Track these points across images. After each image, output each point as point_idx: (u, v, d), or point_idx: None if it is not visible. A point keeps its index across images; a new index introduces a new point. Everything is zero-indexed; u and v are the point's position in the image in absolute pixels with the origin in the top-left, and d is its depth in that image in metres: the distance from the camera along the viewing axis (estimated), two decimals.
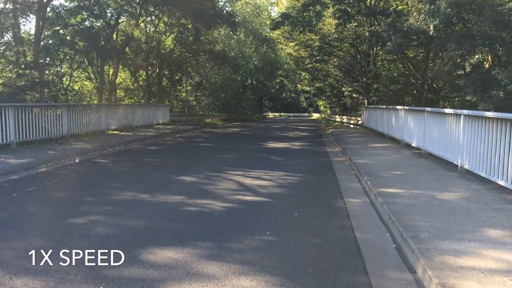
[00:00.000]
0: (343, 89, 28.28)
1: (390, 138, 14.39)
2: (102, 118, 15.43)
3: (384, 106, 15.30)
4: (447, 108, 13.25)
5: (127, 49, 21.48)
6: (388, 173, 7.54)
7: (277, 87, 75.10)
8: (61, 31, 18.17)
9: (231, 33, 33.23)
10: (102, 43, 19.43)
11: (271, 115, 73.22)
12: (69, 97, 24.10)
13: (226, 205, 5.70)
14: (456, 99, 20.23)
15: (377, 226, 4.83)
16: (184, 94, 31.73)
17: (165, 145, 13.79)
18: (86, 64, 24.10)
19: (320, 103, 56.91)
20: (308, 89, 47.41)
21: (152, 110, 20.90)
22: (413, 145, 10.85)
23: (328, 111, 45.56)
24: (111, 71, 27.09)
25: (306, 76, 41.53)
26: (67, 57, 21.55)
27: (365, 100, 26.25)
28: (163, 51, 23.63)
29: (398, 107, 12.92)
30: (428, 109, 9.42)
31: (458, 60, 12.23)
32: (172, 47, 25.10)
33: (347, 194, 6.42)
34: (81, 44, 18.30)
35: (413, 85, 23.45)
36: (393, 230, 4.54)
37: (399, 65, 23.11)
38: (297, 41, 26.37)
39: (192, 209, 5.49)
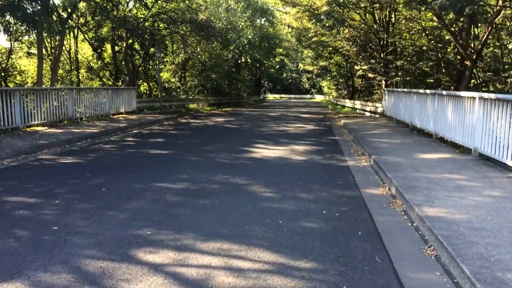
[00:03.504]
0: (357, 67, 23.12)
1: (440, 139, 9.57)
2: (15, 109, 10.60)
3: (429, 91, 10.39)
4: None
5: (74, 15, 16.38)
6: None
7: (277, 66, 69.88)
8: None
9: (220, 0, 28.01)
10: (38, 7, 14.39)
11: (270, 97, 68.16)
12: (11, 78, 19.27)
13: None
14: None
15: None
16: (165, 75, 26.65)
17: (97, 152, 8.95)
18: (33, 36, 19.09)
19: (324, 84, 51.85)
20: (311, 68, 42.13)
21: (108, 95, 15.77)
22: (509, 163, 6.04)
23: (334, 93, 40.42)
24: (71, 44, 22.18)
25: (309, 54, 36.47)
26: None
27: (383, 81, 21.25)
28: (128, 19, 18.45)
29: (464, 93, 8.00)
30: None
31: None
32: (134, 11, 19.84)
33: None
34: None
35: (447, 62, 18.42)
36: None
37: (431, 36, 18.04)
38: (298, 7, 21.11)
39: None
